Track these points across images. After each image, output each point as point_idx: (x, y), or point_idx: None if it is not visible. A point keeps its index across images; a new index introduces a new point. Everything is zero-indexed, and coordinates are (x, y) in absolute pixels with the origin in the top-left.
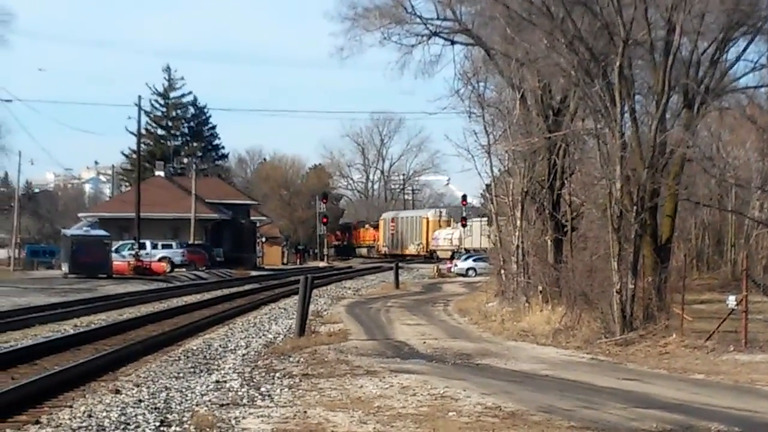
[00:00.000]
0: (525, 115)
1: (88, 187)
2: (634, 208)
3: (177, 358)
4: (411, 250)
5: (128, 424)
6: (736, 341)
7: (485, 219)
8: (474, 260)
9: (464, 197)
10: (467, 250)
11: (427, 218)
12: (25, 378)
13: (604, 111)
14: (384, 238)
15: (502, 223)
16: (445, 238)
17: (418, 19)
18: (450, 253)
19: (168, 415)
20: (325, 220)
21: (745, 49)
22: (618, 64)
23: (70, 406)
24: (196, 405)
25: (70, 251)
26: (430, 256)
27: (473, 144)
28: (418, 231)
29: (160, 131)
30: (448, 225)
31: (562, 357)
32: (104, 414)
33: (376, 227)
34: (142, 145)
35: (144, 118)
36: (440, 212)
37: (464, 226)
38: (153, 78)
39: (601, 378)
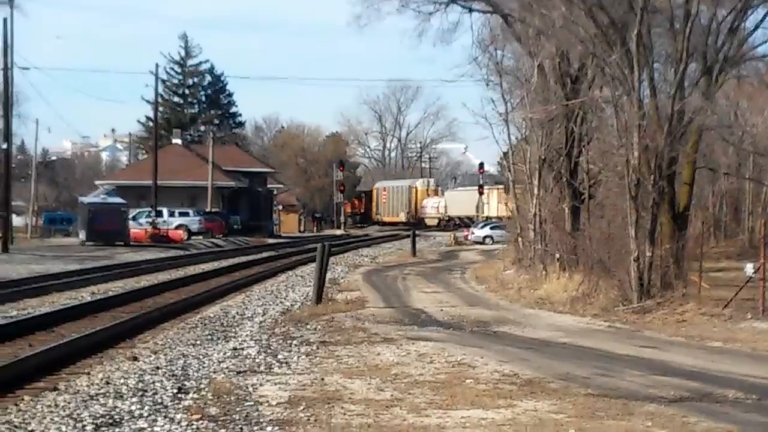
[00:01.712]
0: (543, 82)
1: (105, 155)
2: (652, 176)
3: (194, 326)
4: (401, 217)
5: (146, 390)
6: (753, 309)
7: (475, 187)
8: (491, 228)
9: (481, 165)
10: (450, 218)
11: (416, 187)
12: (42, 345)
13: (622, 79)
14: (377, 207)
15: (519, 191)
16: (433, 206)
17: None
18: (437, 220)
19: (185, 382)
20: (342, 188)
21: (764, 18)
22: (637, 31)
23: (88, 373)
24: (214, 372)
25: (87, 219)
26: (418, 224)
27: (491, 112)
28: (407, 200)
29: (176, 99)
30: (436, 194)
31: (579, 325)
32: (122, 381)
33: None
34: (159, 113)
35: (161, 87)
36: (428, 182)
37: (481, 194)
38: (170, 46)
39: (618, 346)
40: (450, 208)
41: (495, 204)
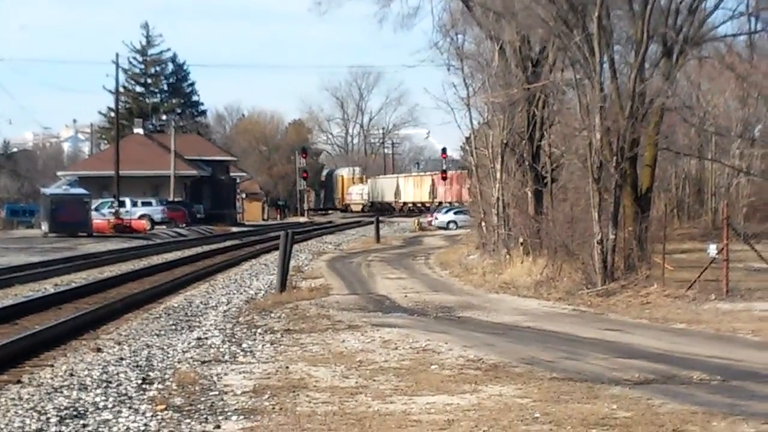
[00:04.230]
0: (504, 66)
1: (66, 146)
2: (614, 158)
3: (158, 316)
4: (329, 204)
5: (110, 382)
6: (717, 290)
7: (394, 176)
8: (455, 213)
9: (444, 150)
10: (373, 203)
11: (342, 176)
12: (5, 338)
13: (583, 62)
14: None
15: (482, 175)
16: (357, 193)
17: None
18: (361, 206)
19: (150, 373)
20: (305, 175)
21: None
22: (597, 14)
23: (52, 365)
24: (178, 362)
25: (49, 210)
26: (345, 209)
27: (452, 97)
28: (335, 187)
29: (138, 88)
30: (361, 182)
31: (543, 308)
32: (86, 372)
33: None
34: (121, 103)
35: (122, 76)
36: (354, 170)
37: (444, 179)
38: (132, 35)
39: (583, 329)
40: (373, 195)
41: (411, 189)
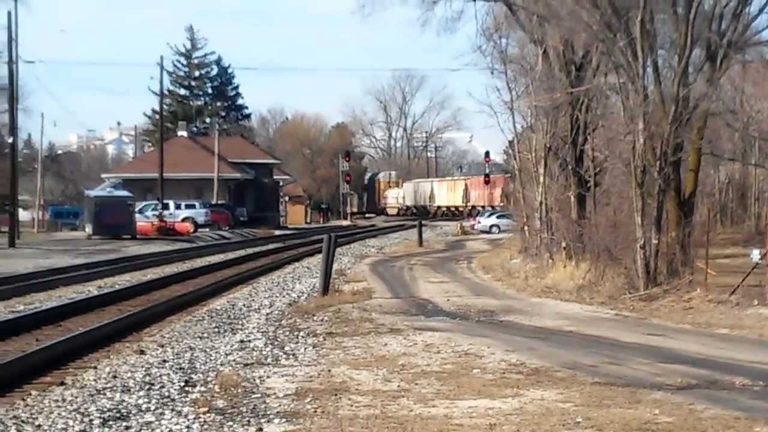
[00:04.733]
0: (547, 70)
1: (111, 148)
2: (658, 162)
3: (201, 318)
4: (371, 208)
5: (153, 384)
6: (760, 295)
7: (429, 179)
8: (497, 217)
9: (487, 154)
10: (408, 207)
11: (379, 180)
12: (49, 339)
13: (626, 66)
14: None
15: (525, 179)
16: (393, 197)
17: None
18: (396, 210)
19: (192, 375)
20: (348, 178)
21: (767, 2)
22: (640, 18)
23: (95, 367)
24: (221, 365)
25: (93, 212)
26: (381, 212)
27: (496, 100)
28: (372, 191)
29: (182, 91)
30: (397, 186)
31: (586, 313)
32: (129, 374)
33: None
34: (165, 106)
35: (167, 79)
36: (390, 174)
37: (487, 182)
38: (177, 38)
39: (625, 333)
40: (407, 199)
41: (445, 193)
